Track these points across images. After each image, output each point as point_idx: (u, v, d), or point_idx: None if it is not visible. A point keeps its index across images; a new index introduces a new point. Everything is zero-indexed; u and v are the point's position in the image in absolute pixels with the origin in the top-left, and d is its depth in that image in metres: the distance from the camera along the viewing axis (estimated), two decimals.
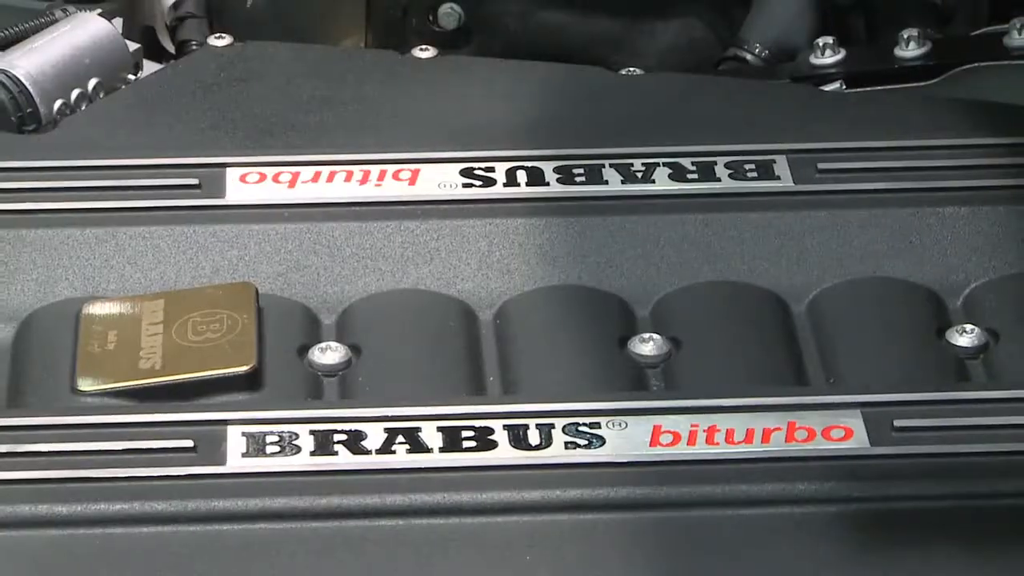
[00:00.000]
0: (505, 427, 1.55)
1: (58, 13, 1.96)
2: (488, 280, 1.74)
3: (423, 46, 2.13)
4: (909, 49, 2.17)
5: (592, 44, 2.19)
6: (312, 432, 1.53)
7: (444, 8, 2.14)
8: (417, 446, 1.54)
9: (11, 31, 1.93)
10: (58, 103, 1.87)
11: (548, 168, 1.85)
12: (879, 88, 2.14)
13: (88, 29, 1.91)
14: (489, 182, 1.84)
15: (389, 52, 2.14)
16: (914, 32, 2.18)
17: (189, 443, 1.50)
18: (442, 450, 1.53)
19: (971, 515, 1.52)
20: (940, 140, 1.93)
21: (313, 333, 1.67)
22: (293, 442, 1.51)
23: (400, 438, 1.54)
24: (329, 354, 1.63)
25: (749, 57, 2.14)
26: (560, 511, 1.49)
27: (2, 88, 1.85)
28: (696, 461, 1.54)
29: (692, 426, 1.56)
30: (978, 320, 1.71)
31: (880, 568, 1.50)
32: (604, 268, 1.77)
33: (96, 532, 1.46)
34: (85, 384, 1.56)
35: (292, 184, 1.79)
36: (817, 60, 2.15)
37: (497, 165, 1.85)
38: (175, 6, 2.17)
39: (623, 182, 1.84)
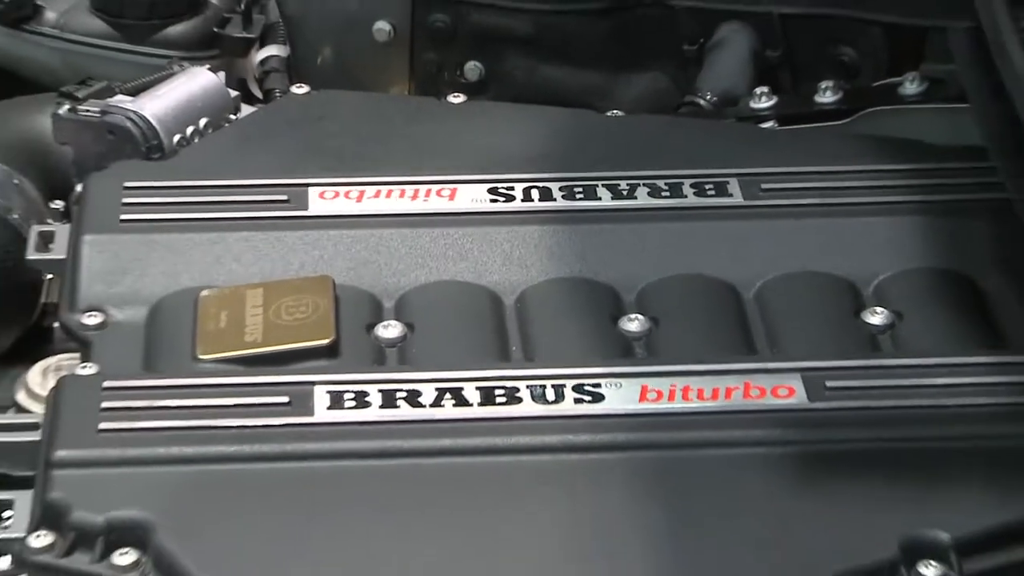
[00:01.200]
0: (527, 387, 1.55)
1: (176, 67, 1.96)
2: (510, 273, 1.72)
3: (455, 93, 2.08)
4: (826, 96, 2.13)
5: (582, 93, 2.17)
6: (379, 391, 1.53)
7: (469, 64, 2.14)
8: (461, 401, 1.54)
9: (140, 82, 1.90)
10: (176, 137, 1.82)
11: (555, 187, 1.83)
12: (804, 126, 2.13)
13: (199, 80, 1.90)
14: (510, 198, 1.82)
15: (430, 98, 2.11)
16: (830, 83, 2.14)
17: (285, 399, 1.51)
18: (480, 404, 1.54)
19: (888, 455, 1.53)
20: (852, 166, 1.92)
21: (377, 314, 1.65)
22: (364, 398, 1.52)
23: (447, 395, 1.54)
24: (390, 330, 1.62)
25: (702, 103, 2.12)
26: (572, 451, 1.51)
27: (134, 125, 1.80)
28: (675, 413, 1.55)
29: (671, 386, 1.57)
30: (886, 304, 1.71)
31: (817, 494, 1.50)
32: (599, 264, 1.75)
33: (216, 468, 1.47)
34: (203, 354, 1.56)
35: (359, 199, 1.78)
36: (755, 105, 2.12)
37: (516, 185, 1.83)
38: (262, 63, 2.18)
39: (612, 198, 1.83)
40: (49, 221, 1.84)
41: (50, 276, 1.83)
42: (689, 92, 2.17)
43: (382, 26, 2.13)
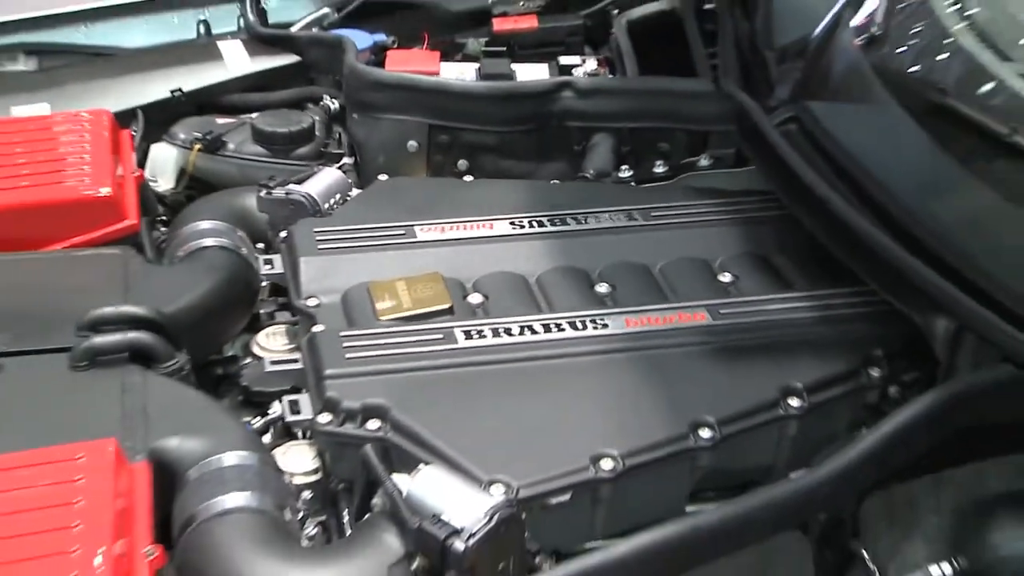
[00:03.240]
0: (567, 322, 1.62)
1: (316, 168, 1.92)
2: (529, 267, 1.77)
3: (466, 175, 2.14)
4: (659, 169, 2.19)
5: (521, 174, 2.15)
6: (490, 329, 1.60)
7: (460, 161, 2.12)
8: (529, 332, 1.60)
9: (298, 176, 1.89)
10: (326, 205, 1.85)
11: (544, 218, 1.87)
12: (653, 185, 2.15)
13: (332, 174, 1.92)
14: (521, 226, 1.85)
15: (455, 179, 2.13)
16: (659, 162, 2.19)
17: (440, 336, 1.58)
18: (544, 332, 1.60)
19: (762, 345, 1.62)
20: (690, 201, 1.96)
21: (465, 291, 1.70)
22: (480, 333, 1.58)
23: (519, 329, 1.61)
24: (476, 298, 1.68)
25: (588, 176, 2.10)
26: (596, 354, 1.58)
27: (306, 199, 1.83)
28: (645, 331, 1.63)
29: (639, 318, 1.65)
30: (728, 271, 1.78)
31: (727, 367, 1.59)
32: (576, 259, 1.79)
33: (415, 374, 1.52)
34: (382, 316, 1.62)
35: (442, 231, 1.81)
36: (621, 175, 2.15)
37: (522, 219, 1.87)
38: (342, 166, 2.10)
39: (576, 224, 1.87)
40: (268, 256, 1.84)
41: (264, 284, 1.83)
42: (580, 171, 2.17)
43: (412, 144, 2.12)
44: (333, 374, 1.49)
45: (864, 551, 1.41)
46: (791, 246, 1.85)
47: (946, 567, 1.42)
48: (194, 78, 2.17)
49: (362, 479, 1.43)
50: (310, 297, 1.66)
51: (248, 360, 1.73)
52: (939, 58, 1.72)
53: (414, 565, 1.28)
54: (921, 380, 1.62)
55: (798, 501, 1.39)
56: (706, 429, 1.46)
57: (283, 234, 1.81)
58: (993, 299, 1.44)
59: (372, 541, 1.32)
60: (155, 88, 2.12)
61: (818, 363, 1.60)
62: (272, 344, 1.74)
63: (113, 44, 2.22)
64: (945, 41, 1.66)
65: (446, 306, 1.64)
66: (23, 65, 2.15)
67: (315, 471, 1.50)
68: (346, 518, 1.44)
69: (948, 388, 1.47)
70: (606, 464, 1.39)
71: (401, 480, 1.34)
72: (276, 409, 1.60)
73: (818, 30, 1.91)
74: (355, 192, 1.95)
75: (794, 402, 1.53)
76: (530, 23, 2.41)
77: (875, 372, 1.61)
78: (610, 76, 2.28)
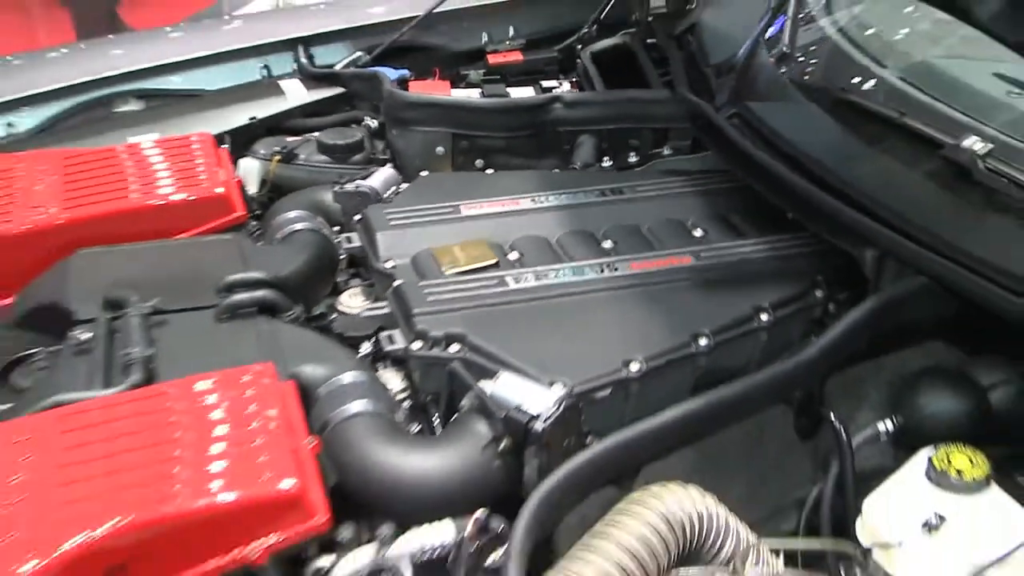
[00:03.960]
0: (588, 267, 1.65)
1: (373, 169, 1.96)
2: (551, 231, 1.76)
3: (487, 169, 2.14)
4: (632, 158, 2.19)
5: (526, 167, 2.14)
6: (532, 274, 1.62)
7: (477, 161, 2.11)
8: (561, 275, 1.62)
9: (364, 174, 1.92)
10: (387, 194, 1.87)
11: (556, 196, 1.86)
12: (633, 170, 2.17)
13: (386, 172, 1.94)
14: (537, 202, 1.84)
15: (480, 172, 2.13)
16: (632, 152, 2.18)
17: (495, 282, 1.59)
18: (573, 276, 1.63)
19: (735, 277, 1.66)
20: (662, 180, 1.96)
21: (504, 250, 1.69)
22: (525, 279, 1.60)
23: (554, 274, 1.62)
24: (514, 254, 1.69)
25: (577, 167, 2.14)
26: (614, 290, 1.61)
27: (371, 190, 1.85)
28: (649, 271, 1.65)
29: (642, 263, 1.67)
30: (698, 227, 1.78)
31: (711, 294, 1.62)
32: (585, 223, 1.78)
33: (483, 309, 1.55)
34: (446, 271, 1.62)
35: (480, 208, 1.81)
36: (603, 166, 2.16)
37: (538, 197, 1.86)
38: None
39: (579, 198, 1.87)
40: (347, 234, 1.82)
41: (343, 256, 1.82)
42: (569, 164, 2.17)
43: (440, 149, 2.11)
44: (420, 312, 1.51)
45: (831, 415, 1.44)
46: (742, 207, 1.85)
47: (888, 423, 1.47)
48: (264, 108, 2.20)
49: (446, 390, 1.45)
50: (388, 261, 1.66)
51: (334, 315, 1.72)
52: (832, 65, 1.87)
53: (501, 445, 1.32)
54: (852, 298, 1.65)
55: (783, 381, 1.44)
56: (703, 339, 1.50)
57: (357, 217, 1.81)
58: (904, 230, 1.49)
59: (467, 431, 1.35)
60: (236, 117, 2.15)
61: (778, 288, 1.63)
62: (353, 302, 1.75)
63: (200, 87, 2.24)
64: (836, 54, 1.83)
65: (493, 261, 1.65)
66: (134, 106, 2.17)
67: (404, 390, 1.53)
68: (436, 421, 1.47)
69: (880, 297, 1.52)
70: (634, 366, 1.43)
71: (484, 385, 1.37)
72: (365, 348, 1.62)
73: (741, 52, 1.98)
74: (404, 185, 1.95)
75: (764, 317, 1.57)
76: (516, 57, 2.44)
77: (819, 293, 1.66)
78: (586, 92, 2.30)
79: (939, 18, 1.84)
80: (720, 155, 1.93)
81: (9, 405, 1.42)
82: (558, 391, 1.34)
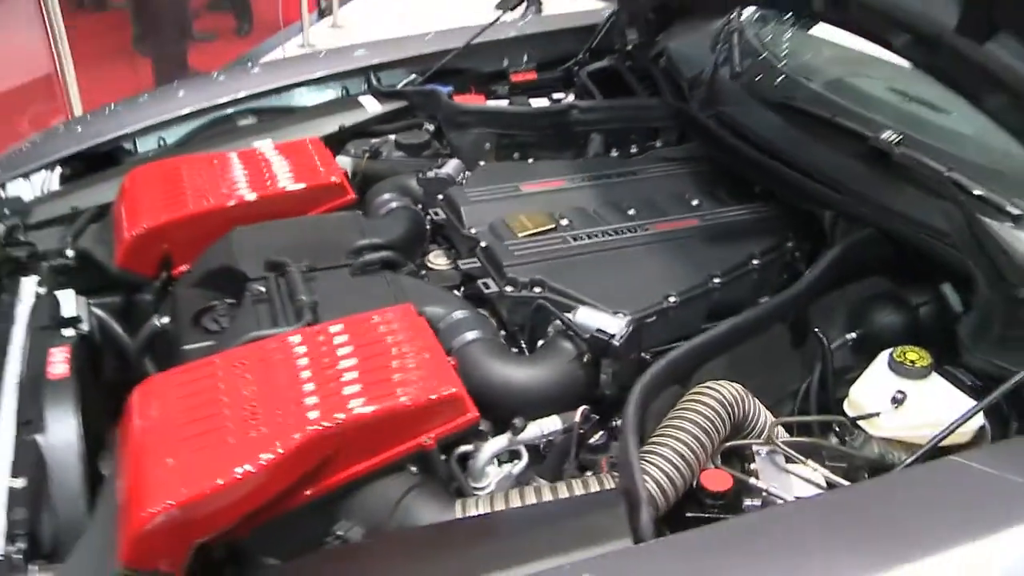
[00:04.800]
0: (625, 228, 1.67)
1: (443, 160, 1.98)
2: (586, 203, 1.75)
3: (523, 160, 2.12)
4: (633, 149, 2.17)
5: (552, 159, 2.11)
6: (585, 234, 1.64)
7: (515, 154, 2.14)
8: (607, 235, 1.64)
9: (439, 164, 1.93)
10: (459, 177, 1.89)
11: (586, 177, 1.86)
12: (636, 157, 2.13)
13: (457, 162, 1.94)
14: (574, 182, 1.84)
15: (523, 162, 2.11)
16: (633, 146, 2.17)
17: (560, 240, 1.61)
18: (614, 235, 1.65)
19: (733, 233, 1.71)
20: (655, 165, 1.96)
21: (556, 218, 1.67)
22: (580, 237, 1.62)
23: (601, 234, 1.65)
24: (565, 221, 1.67)
25: (590, 157, 2.14)
26: (644, 244, 1.64)
27: (448, 176, 1.87)
28: (668, 232, 1.67)
29: (663, 223, 1.70)
30: (695, 198, 1.79)
31: (715, 246, 1.65)
32: (611, 196, 1.78)
33: (551, 260, 1.55)
34: (519, 234, 1.63)
35: (535, 186, 1.81)
36: (613, 155, 2.15)
37: (573, 178, 1.85)
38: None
39: (603, 179, 1.87)
40: (432, 209, 1.79)
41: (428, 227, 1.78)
42: (584, 156, 2.16)
43: (487, 145, 2.11)
44: (509, 264, 1.53)
45: (815, 329, 1.48)
46: (722, 183, 1.87)
47: (852, 335, 1.53)
48: (349, 119, 2.20)
49: (530, 322, 1.49)
50: (472, 227, 1.67)
51: (423, 272, 1.70)
52: (774, 80, 1.91)
53: (585, 359, 1.38)
54: (812, 248, 1.71)
55: (783, 307, 1.50)
56: (716, 278, 1.56)
57: (440, 196, 1.80)
58: (851, 196, 1.57)
59: (557, 349, 1.41)
60: (328, 126, 2.15)
61: (761, 241, 1.67)
62: (439, 261, 1.73)
63: (297, 103, 2.25)
64: (774, 72, 1.90)
65: (552, 226, 1.66)
66: (250, 120, 2.18)
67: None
68: (523, 345, 1.51)
69: (841, 246, 1.58)
70: (672, 299, 1.48)
71: (567, 315, 1.42)
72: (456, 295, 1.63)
73: (706, 71, 2.05)
74: (467, 173, 1.93)
75: (755, 262, 1.62)
76: (532, 76, 2.47)
77: (790, 244, 1.71)
78: (595, 100, 2.30)
79: (842, 48, 1.95)
80: (706, 145, 1.97)
81: (210, 343, 1.46)
82: (624, 318, 1.40)
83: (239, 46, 5.86)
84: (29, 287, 1.63)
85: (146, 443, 1.13)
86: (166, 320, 1.57)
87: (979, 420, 1.28)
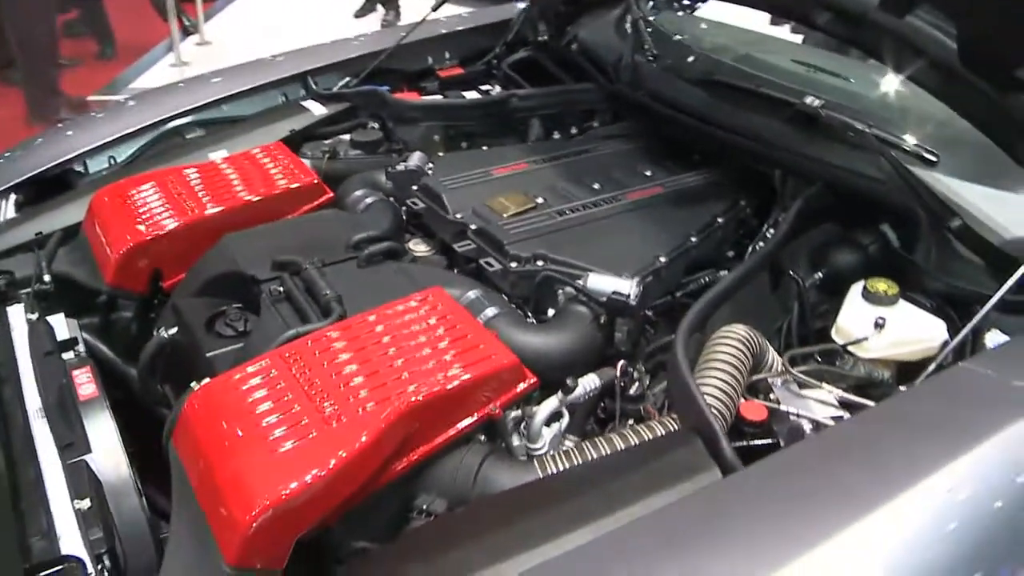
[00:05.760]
0: (601, 199, 1.68)
1: (407, 154, 1.88)
2: (551, 180, 1.74)
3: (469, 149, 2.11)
4: (572, 131, 2.18)
5: (497, 146, 2.07)
6: (568, 209, 1.64)
7: (463, 143, 2.14)
8: (586, 208, 1.65)
9: (402, 159, 1.86)
10: (427, 168, 1.81)
11: (545, 159, 1.85)
12: (578, 137, 2.14)
13: (420, 154, 1.86)
14: (536, 164, 1.84)
15: (480, 150, 2.04)
16: (573, 128, 2.18)
17: (547, 216, 1.60)
18: (592, 208, 1.66)
19: (699, 196, 1.74)
20: (599, 143, 1.98)
21: (531, 196, 1.65)
22: (563, 211, 1.62)
23: (582, 207, 1.64)
24: (540, 199, 1.66)
25: (532, 143, 2.13)
26: (625, 212, 1.66)
27: (417, 168, 1.78)
28: (640, 200, 1.70)
29: (633, 194, 1.71)
30: (647, 170, 1.81)
31: (682, 208, 1.68)
32: (572, 173, 1.77)
33: (542, 236, 1.55)
34: (505, 215, 1.60)
35: (503, 171, 1.79)
36: (555, 138, 2.17)
37: (533, 160, 1.84)
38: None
39: (559, 159, 1.86)
40: (410, 199, 1.73)
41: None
42: (526, 141, 2.15)
43: (435, 138, 2.09)
44: (509, 242, 1.52)
45: (789, 270, 1.55)
46: (665, 155, 1.90)
47: (818, 275, 1.60)
48: (297, 123, 2.12)
49: (534, 294, 1.49)
50: (456, 213, 1.63)
51: (409, 256, 1.64)
52: (692, 60, 1.99)
53: (601, 320, 1.40)
54: (761, 205, 1.76)
55: (768, 256, 1.54)
56: (693, 237, 1.61)
57: (415, 187, 1.74)
58: (795, 156, 1.64)
59: (573, 314, 1.41)
60: (277, 132, 2.07)
61: (720, 202, 1.72)
62: (419, 247, 1.69)
63: (241, 113, 2.15)
64: (689, 52, 1.97)
65: (532, 205, 1.64)
66: (199, 133, 2.07)
67: None
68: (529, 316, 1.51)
69: (802, 198, 1.63)
70: (662, 259, 1.51)
71: (579, 282, 1.43)
72: None
73: (626, 56, 2.08)
74: (430, 164, 1.85)
75: (720, 220, 1.68)
76: (459, 71, 2.45)
77: (743, 203, 1.78)
78: (532, 88, 2.29)
79: (736, 28, 2.09)
80: (645, 122, 2.01)
81: (236, 346, 1.40)
82: (633, 279, 1.42)
83: (109, 70, 5.56)
84: (17, 315, 1.55)
85: (226, 446, 1.08)
86: (174, 331, 1.48)
87: (944, 335, 1.39)
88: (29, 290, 1.59)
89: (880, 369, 1.39)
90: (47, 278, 1.62)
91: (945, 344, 1.36)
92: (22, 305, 1.56)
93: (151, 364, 1.49)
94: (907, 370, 1.36)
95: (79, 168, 1.97)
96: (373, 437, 1.06)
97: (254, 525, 0.97)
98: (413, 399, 1.11)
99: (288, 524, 1.00)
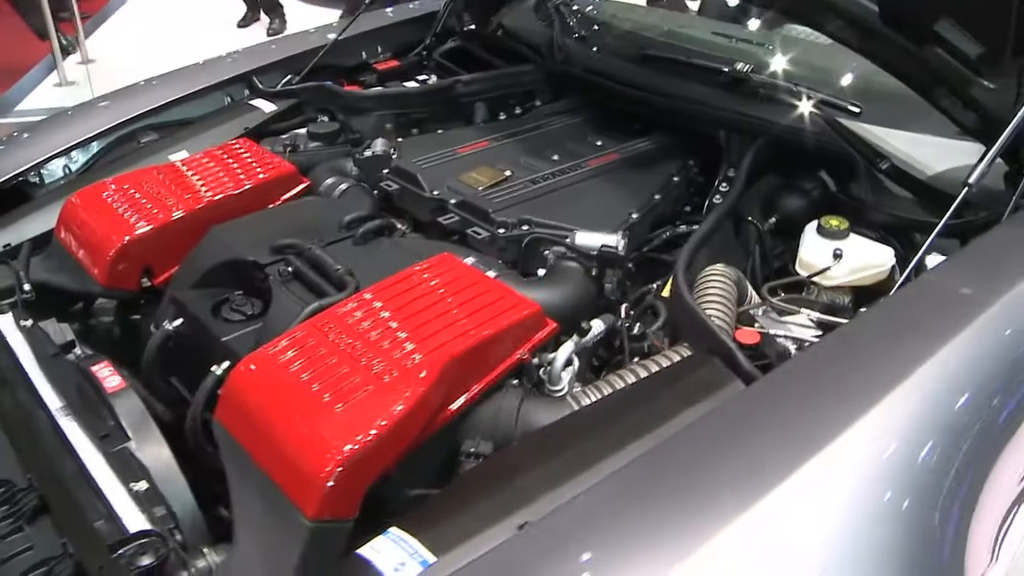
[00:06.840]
0: (568, 167, 1.74)
1: (369, 141, 1.90)
2: (513, 155, 1.77)
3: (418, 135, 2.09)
4: (517, 111, 2.19)
5: (446, 130, 2.11)
6: (540, 178, 1.70)
7: (413, 130, 2.14)
8: (555, 176, 1.71)
9: (365, 147, 1.87)
10: (392, 154, 1.83)
11: (504, 136, 1.89)
12: (501, 120, 2.17)
13: (382, 141, 1.87)
14: (495, 141, 1.88)
15: (435, 133, 2.06)
16: (517, 108, 2.20)
17: (522, 185, 1.66)
18: (561, 176, 1.72)
19: (649, 162, 1.81)
20: (548, 119, 2.01)
21: (504, 172, 1.69)
22: (537, 180, 1.69)
23: (552, 175, 1.70)
24: (508, 171, 1.70)
25: (479, 124, 2.14)
26: (591, 178, 1.73)
27: (385, 153, 1.80)
28: (601, 166, 1.76)
29: (594, 161, 1.78)
30: (597, 140, 1.86)
31: (654, 174, 1.74)
32: (532, 147, 1.82)
33: (523, 203, 1.61)
34: (480, 188, 1.64)
35: (468, 149, 1.83)
36: (501, 119, 2.18)
37: (492, 138, 1.88)
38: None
39: (520, 135, 1.91)
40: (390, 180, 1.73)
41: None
42: (473, 123, 2.17)
43: (388, 125, 2.10)
44: (493, 209, 1.57)
45: (748, 217, 1.65)
46: (609, 125, 1.97)
47: (772, 220, 1.71)
48: (249, 121, 2.11)
49: (522, 257, 1.55)
50: (434, 190, 1.67)
51: (399, 231, 1.68)
52: (622, 35, 2.11)
53: (593, 272, 1.48)
54: (706, 163, 1.84)
55: (730, 207, 1.65)
56: (656, 195, 1.70)
57: (386, 170, 1.76)
58: (736, 115, 1.75)
59: (565, 270, 1.48)
60: (231, 131, 2.05)
61: (672, 163, 1.81)
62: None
63: (192, 115, 2.13)
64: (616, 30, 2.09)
65: (503, 177, 1.69)
66: (152, 136, 2.04)
67: None
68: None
69: (751, 153, 1.74)
70: (634, 215, 1.60)
71: (569, 239, 1.50)
72: None
73: (556, 38, 2.18)
74: (394, 149, 1.85)
75: (675, 179, 1.78)
76: (394, 64, 2.47)
77: (691, 163, 1.88)
78: (475, 74, 2.31)
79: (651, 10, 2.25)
80: (588, 97, 2.09)
81: (252, 327, 1.41)
82: (617, 233, 1.50)
83: None
84: (7, 324, 1.53)
85: (284, 411, 1.10)
86: (178, 323, 1.48)
87: (892, 259, 1.51)
88: (13, 299, 1.57)
89: (840, 296, 1.52)
90: (27, 287, 1.59)
91: (894, 268, 1.50)
92: (9, 315, 1.54)
93: (157, 357, 1.48)
94: (860, 295, 1.51)
95: (34, 179, 1.93)
96: (427, 384, 1.10)
97: (332, 478, 1.00)
98: (454, 350, 1.15)
99: (360, 474, 1.03)
